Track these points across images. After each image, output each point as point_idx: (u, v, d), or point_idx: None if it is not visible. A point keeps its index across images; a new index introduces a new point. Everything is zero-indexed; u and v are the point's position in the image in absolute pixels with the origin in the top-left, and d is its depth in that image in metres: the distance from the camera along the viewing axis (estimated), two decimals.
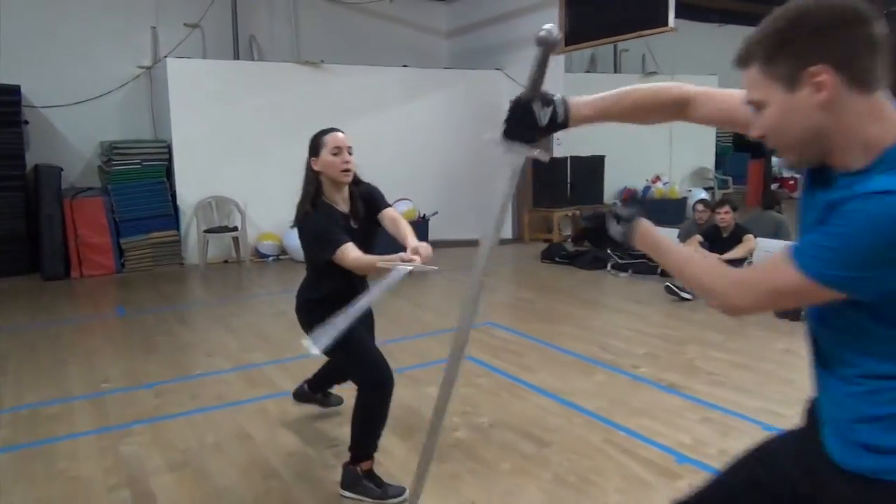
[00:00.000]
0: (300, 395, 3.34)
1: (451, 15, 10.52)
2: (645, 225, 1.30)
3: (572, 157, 8.88)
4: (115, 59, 8.19)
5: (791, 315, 4.63)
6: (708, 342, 4.54)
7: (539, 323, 5.18)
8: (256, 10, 9.00)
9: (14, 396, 3.80)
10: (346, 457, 2.67)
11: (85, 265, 7.31)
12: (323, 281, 2.62)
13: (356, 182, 2.66)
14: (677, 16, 7.07)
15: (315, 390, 3.29)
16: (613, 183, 9.42)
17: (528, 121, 1.39)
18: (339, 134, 2.58)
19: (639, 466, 2.83)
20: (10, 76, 7.40)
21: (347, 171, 2.56)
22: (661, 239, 1.28)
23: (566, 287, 6.49)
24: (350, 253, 2.43)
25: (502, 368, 4.10)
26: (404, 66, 9.13)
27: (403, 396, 3.56)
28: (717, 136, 10.62)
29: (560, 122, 1.40)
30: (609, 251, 6.97)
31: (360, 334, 2.68)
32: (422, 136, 9.01)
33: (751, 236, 5.86)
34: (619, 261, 6.91)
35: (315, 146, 2.57)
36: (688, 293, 5.53)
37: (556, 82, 8.65)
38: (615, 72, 9.81)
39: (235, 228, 7.98)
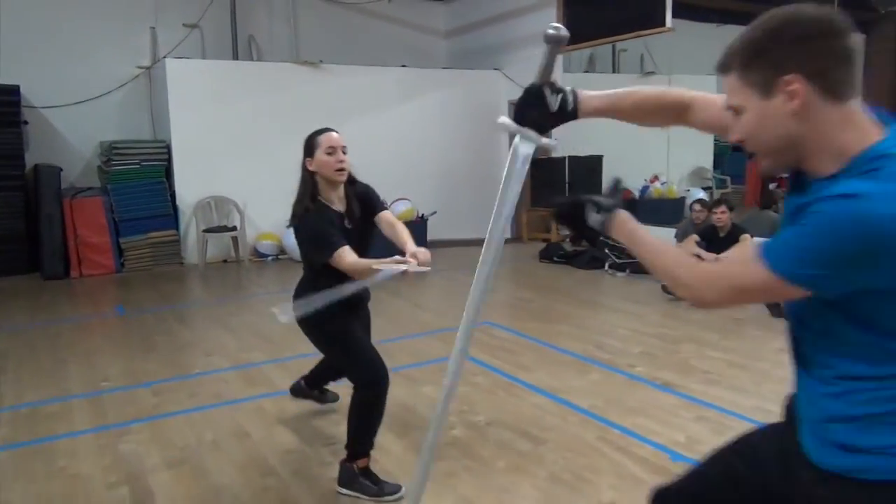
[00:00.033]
0: (297, 391, 3.38)
1: (449, 15, 10.55)
2: (623, 215, 1.33)
3: (570, 157, 8.89)
4: (114, 59, 8.21)
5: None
6: (704, 341, 4.57)
7: (536, 322, 5.20)
8: (255, 11, 9.02)
9: (14, 395, 3.83)
10: (343, 454, 2.69)
11: (84, 265, 7.33)
12: (320, 280, 2.64)
13: (351, 181, 2.69)
14: (676, 16, 7.09)
15: (312, 387, 3.33)
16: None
17: (539, 106, 1.41)
18: (334, 134, 2.61)
19: (633, 464, 2.86)
20: (10, 76, 7.42)
21: (342, 170, 2.58)
22: (638, 230, 1.31)
23: (564, 287, 6.52)
24: (346, 257, 2.45)
25: (499, 367, 4.12)
26: (403, 66, 9.15)
27: (400, 395, 3.59)
28: (716, 136, 10.63)
29: (570, 109, 1.42)
30: (606, 250, 7.00)
31: (357, 333, 2.71)
32: (420, 136, 9.03)
33: (747, 236, 5.88)
34: (617, 260, 6.93)
35: (309, 146, 2.59)
36: None
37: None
38: (613, 72, 9.82)
39: (234, 228, 8.00)
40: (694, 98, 1.42)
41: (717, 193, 9.87)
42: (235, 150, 7.94)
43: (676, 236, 6.58)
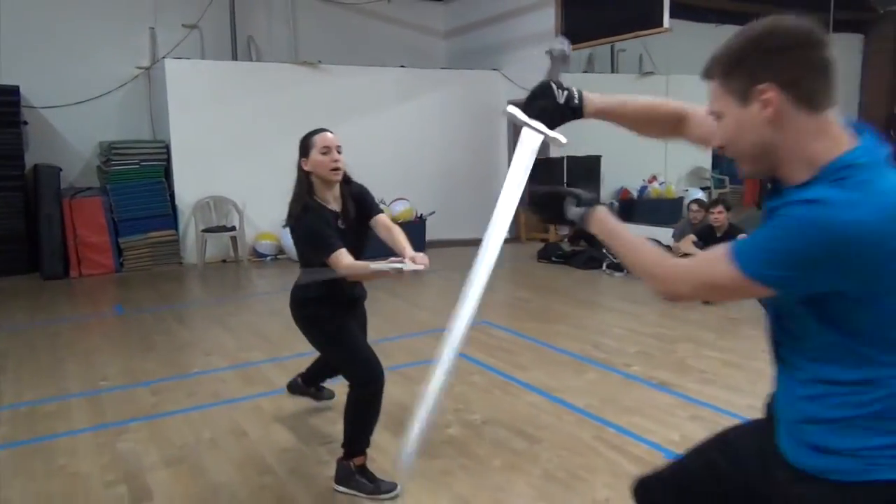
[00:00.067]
0: (294, 388, 3.41)
1: (448, 15, 10.56)
2: (602, 210, 1.37)
3: (569, 157, 8.90)
4: (113, 59, 8.23)
5: None
6: (700, 341, 4.59)
7: (534, 322, 5.22)
8: (254, 11, 9.03)
9: (14, 394, 3.85)
10: (340, 453, 2.72)
11: (84, 264, 7.35)
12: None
13: (347, 181, 2.71)
14: (674, 16, 7.11)
15: (308, 384, 3.36)
16: (610, 183, 9.45)
17: (547, 98, 1.47)
18: (328, 134, 2.63)
19: (628, 463, 2.88)
20: (10, 77, 7.45)
21: (337, 169, 2.61)
22: (616, 225, 1.34)
23: (562, 286, 6.54)
24: (343, 259, 2.48)
25: (496, 367, 4.14)
26: (402, 66, 9.17)
27: (396, 394, 3.61)
28: None
29: (576, 105, 1.49)
30: (604, 250, 7.02)
31: (354, 332, 2.73)
32: (419, 136, 9.06)
33: (744, 236, 5.89)
34: (615, 260, 6.95)
35: (305, 147, 2.62)
36: None
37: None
38: (612, 71, 9.84)
39: (233, 228, 8.02)
40: (691, 112, 1.47)
41: (715, 193, 9.87)
42: (234, 150, 7.96)
43: (674, 236, 6.61)
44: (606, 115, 1.52)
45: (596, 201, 1.38)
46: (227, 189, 8.02)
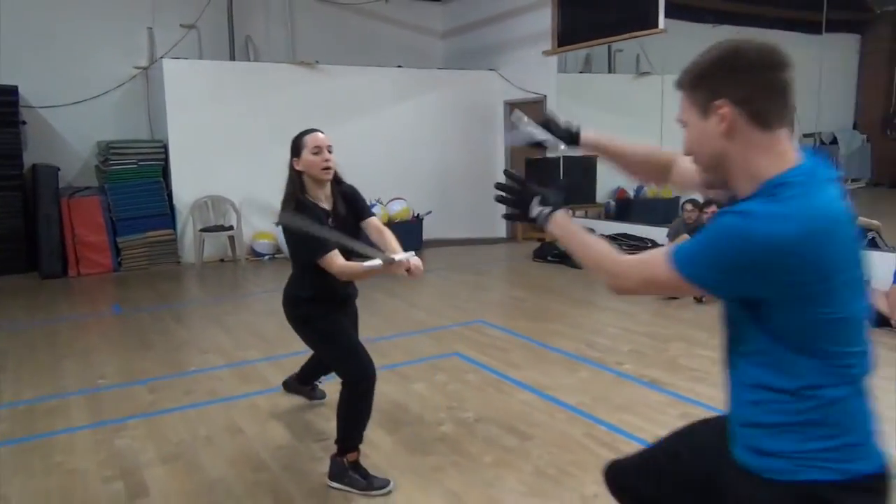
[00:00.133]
0: (289, 386, 3.47)
1: (445, 16, 10.60)
2: (563, 213, 1.46)
3: (565, 157, 8.95)
4: (111, 59, 8.27)
5: None
6: (693, 340, 4.64)
7: (528, 321, 5.26)
8: (252, 11, 9.07)
9: (13, 392, 3.89)
10: (334, 450, 2.76)
11: (82, 264, 7.39)
12: (308, 278, 2.71)
13: (338, 181, 2.76)
14: (671, 16, 7.15)
15: (303, 383, 3.41)
16: (606, 183, 9.49)
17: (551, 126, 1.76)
18: (319, 134, 2.68)
19: None
20: (8, 76, 7.49)
21: (328, 168, 2.65)
22: (573, 227, 1.42)
23: (557, 286, 6.58)
24: (336, 260, 2.53)
25: (490, 365, 4.19)
26: (399, 66, 9.21)
27: (391, 392, 3.66)
28: None
29: (574, 132, 1.75)
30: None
31: (347, 331, 2.77)
32: (416, 136, 9.09)
33: None
34: None
35: (296, 147, 2.67)
36: None
37: (550, 82, 8.75)
38: (609, 72, 9.89)
39: (231, 227, 8.05)
40: (677, 160, 1.58)
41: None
42: (232, 149, 7.99)
43: (668, 235, 6.66)
44: (598, 148, 1.70)
45: (559, 205, 1.45)
46: (225, 188, 8.06)
